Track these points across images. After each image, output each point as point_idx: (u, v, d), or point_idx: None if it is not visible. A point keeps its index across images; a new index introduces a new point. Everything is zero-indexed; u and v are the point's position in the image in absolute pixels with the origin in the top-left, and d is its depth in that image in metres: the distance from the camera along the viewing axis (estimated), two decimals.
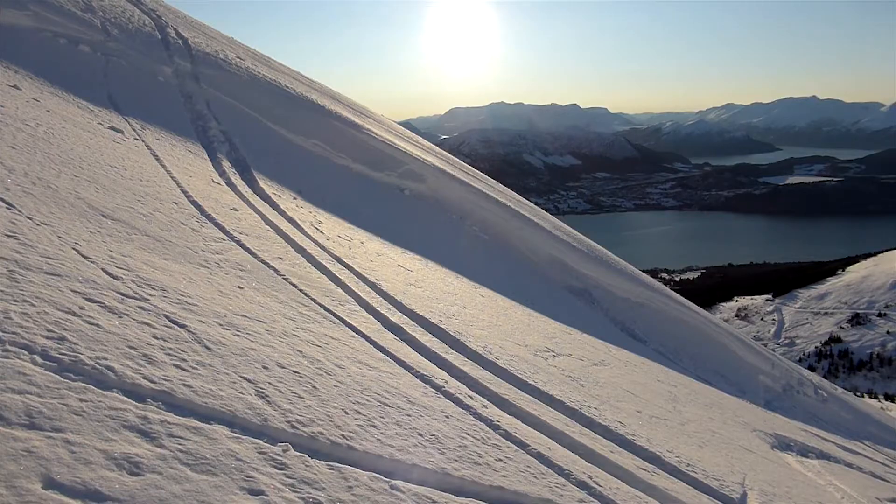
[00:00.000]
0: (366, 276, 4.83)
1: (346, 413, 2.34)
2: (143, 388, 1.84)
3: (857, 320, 76.90)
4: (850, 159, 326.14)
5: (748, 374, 12.62)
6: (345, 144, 10.34)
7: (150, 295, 2.52)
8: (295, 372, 2.48)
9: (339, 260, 4.99)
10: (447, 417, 2.80)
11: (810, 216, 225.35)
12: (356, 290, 4.36)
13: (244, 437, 1.86)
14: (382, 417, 2.46)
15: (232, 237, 4.22)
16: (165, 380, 1.93)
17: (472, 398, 3.23)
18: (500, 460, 2.59)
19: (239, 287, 3.31)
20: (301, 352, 2.75)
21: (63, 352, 1.81)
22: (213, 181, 5.76)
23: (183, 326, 2.37)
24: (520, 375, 4.00)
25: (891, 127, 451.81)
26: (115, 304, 2.28)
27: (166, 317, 2.38)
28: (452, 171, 12.72)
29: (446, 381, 3.32)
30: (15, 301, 1.95)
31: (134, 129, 5.95)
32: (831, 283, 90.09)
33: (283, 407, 2.14)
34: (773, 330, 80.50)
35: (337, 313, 3.68)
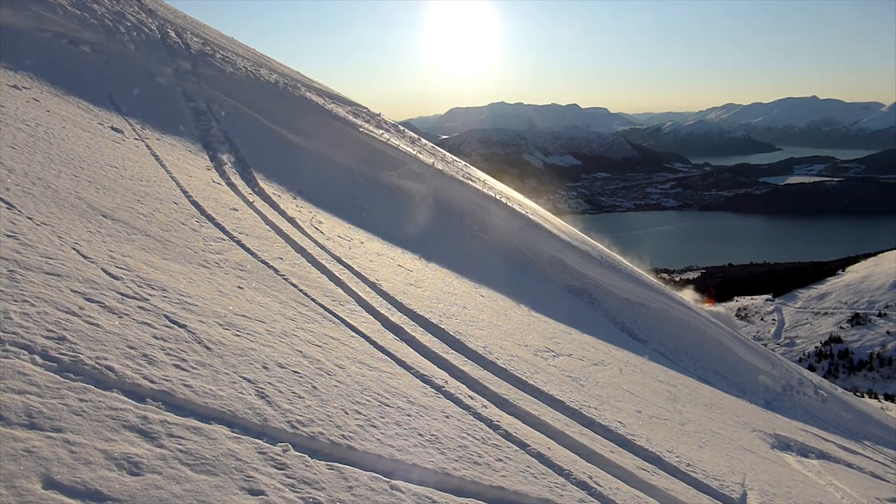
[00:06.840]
0: (366, 276, 4.84)
1: (346, 413, 2.34)
2: (143, 388, 1.84)
3: (857, 320, 76.80)
4: (850, 159, 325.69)
5: (748, 374, 12.62)
6: (345, 144, 10.35)
7: (150, 295, 2.52)
8: (295, 372, 2.48)
9: (339, 260, 4.99)
10: (447, 417, 2.80)
11: (810, 216, 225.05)
12: (356, 290, 4.36)
13: (244, 437, 1.86)
14: (382, 417, 2.46)
15: (232, 237, 4.22)
16: (165, 380, 1.93)
17: (472, 398, 3.23)
18: (500, 460, 2.59)
19: (239, 287, 3.31)
20: (301, 352, 2.75)
21: (63, 352, 1.81)
22: (213, 181, 5.76)
23: (183, 326, 2.37)
24: (520, 375, 4.00)
25: (891, 127, 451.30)
26: (115, 304, 2.28)
27: (166, 317, 2.38)
28: (452, 171, 12.72)
29: (446, 381, 3.32)
30: (15, 301, 1.95)
31: (134, 129, 5.95)
32: (831, 283, 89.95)
33: (283, 407, 2.14)
34: (773, 330, 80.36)
35: (337, 313, 3.69)
